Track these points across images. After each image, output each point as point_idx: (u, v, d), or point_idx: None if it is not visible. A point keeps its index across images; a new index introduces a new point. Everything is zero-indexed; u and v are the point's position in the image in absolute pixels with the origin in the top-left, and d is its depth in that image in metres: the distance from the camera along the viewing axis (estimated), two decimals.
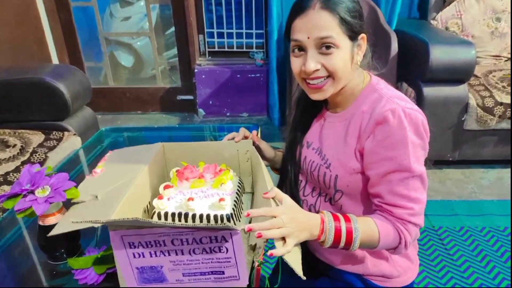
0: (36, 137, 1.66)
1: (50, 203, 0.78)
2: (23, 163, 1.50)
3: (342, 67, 0.80)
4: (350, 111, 0.86)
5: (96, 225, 0.69)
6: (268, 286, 0.78)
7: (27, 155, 1.55)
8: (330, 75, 0.81)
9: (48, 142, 1.64)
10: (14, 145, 1.59)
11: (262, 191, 0.82)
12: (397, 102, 0.78)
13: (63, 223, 0.73)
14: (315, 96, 0.85)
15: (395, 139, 0.76)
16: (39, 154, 1.55)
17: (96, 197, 0.82)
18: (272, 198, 0.73)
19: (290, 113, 2.56)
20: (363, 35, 0.83)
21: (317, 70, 0.81)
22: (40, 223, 0.82)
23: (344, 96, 0.87)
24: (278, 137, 2.61)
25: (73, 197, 0.81)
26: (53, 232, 0.70)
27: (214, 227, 0.68)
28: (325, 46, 0.79)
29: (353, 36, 0.80)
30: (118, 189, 0.84)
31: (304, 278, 0.64)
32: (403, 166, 0.76)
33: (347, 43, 0.80)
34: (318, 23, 0.78)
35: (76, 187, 0.84)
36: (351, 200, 0.86)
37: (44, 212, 0.77)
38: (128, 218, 0.66)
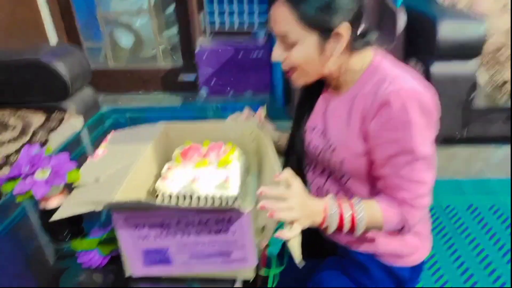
0: (37, 118, 1.64)
1: (51, 185, 0.76)
2: (24, 145, 1.48)
3: (304, 62, 0.79)
4: (353, 93, 0.82)
5: (97, 209, 0.66)
6: (275, 268, 0.76)
7: (28, 137, 1.52)
8: (295, 68, 0.81)
9: (49, 123, 1.62)
10: (15, 127, 1.57)
11: (270, 171, 0.79)
12: (401, 82, 0.75)
13: (64, 207, 0.71)
14: (294, 83, 0.85)
15: (398, 122, 0.73)
16: (40, 136, 1.53)
17: (98, 179, 0.79)
18: (283, 180, 0.71)
19: (294, 91, 2.52)
20: (344, 25, 0.75)
21: (282, 61, 0.81)
22: (41, 206, 0.80)
23: (342, 79, 0.84)
24: (283, 116, 2.57)
25: (73, 180, 0.78)
26: (55, 217, 0.68)
27: (220, 209, 0.65)
28: (285, 40, 0.78)
29: (321, 30, 0.75)
30: (120, 171, 0.81)
31: (302, 264, 0.64)
32: (407, 148, 0.74)
33: (311, 37, 0.76)
34: (276, 18, 0.77)
35: (77, 168, 0.81)
36: (358, 182, 0.85)
37: (44, 195, 0.75)
38: (130, 201, 0.63)
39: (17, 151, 1.45)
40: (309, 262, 0.73)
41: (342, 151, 0.82)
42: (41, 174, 0.76)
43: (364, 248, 0.88)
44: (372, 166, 0.81)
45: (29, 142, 1.50)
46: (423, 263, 0.93)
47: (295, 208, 0.67)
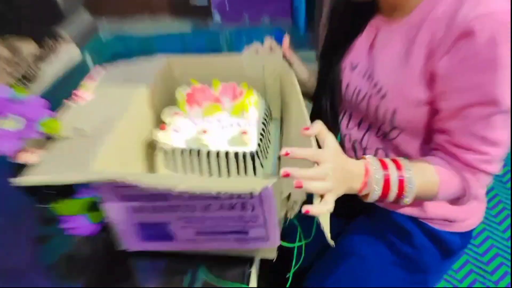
0: (27, 46, 1.46)
1: (21, 139, 0.60)
2: (16, 79, 1.32)
3: None
4: (416, 18, 0.62)
5: (68, 180, 0.50)
6: (301, 241, 0.62)
7: (18, 68, 1.36)
8: None
9: (41, 52, 1.44)
10: (2, 57, 1.40)
11: (296, 121, 0.64)
12: (490, 3, 0.54)
13: (35, 170, 0.55)
14: None
15: (483, 60, 0.55)
16: (30, 67, 1.36)
17: (83, 131, 0.63)
18: (315, 135, 0.54)
19: (320, 16, 2.26)
20: None
21: None
22: (14, 159, 0.65)
23: None
24: (305, 45, 2.35)
25: (51, 132, 0.62)
26: (19, 182, 0.52)
27: (233, 193, 0.50)
28: None
29: None
30: (110, 119, 0.65)
31: (333, 244, 0.50)
32: (489, 97, 0.56)
33: None
34: None
35: (57, 118, 0.65)
36: (412, 138, 0.68)
37: (13, 152, 0.60)
38: (106, 175, 0.47)
39: (11, 86, 1.29)
40: (336, 221, 0.58)
41: (396, 97, 0.64)
42: (8, 124, 0.60)
43: (407, 210, 0.74)
44: (434, 117, 0.63)
45: (21, 76, 1.34)
46: (476, 227, 0.79)
47: (329, 175, 0.50)
